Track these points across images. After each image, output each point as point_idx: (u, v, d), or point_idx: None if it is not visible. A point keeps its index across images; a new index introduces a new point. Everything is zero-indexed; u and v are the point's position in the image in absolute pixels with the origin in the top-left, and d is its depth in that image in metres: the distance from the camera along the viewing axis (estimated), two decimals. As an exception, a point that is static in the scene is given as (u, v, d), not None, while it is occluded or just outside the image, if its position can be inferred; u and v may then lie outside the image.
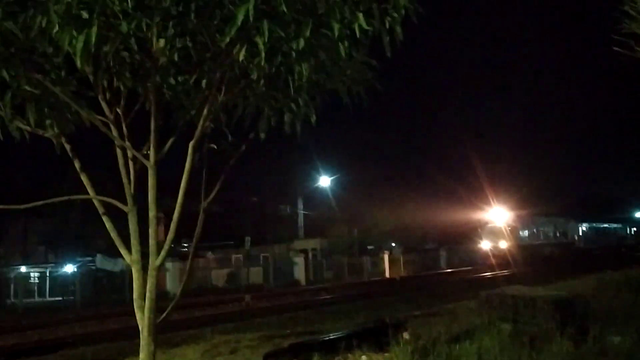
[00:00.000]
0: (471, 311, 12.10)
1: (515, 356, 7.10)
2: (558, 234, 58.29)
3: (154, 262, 4.81)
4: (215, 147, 5.33)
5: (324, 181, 46.06)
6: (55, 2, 3.83)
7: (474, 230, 51.47)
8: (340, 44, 4.20)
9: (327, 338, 9.91)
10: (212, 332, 14.16)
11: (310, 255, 40.34)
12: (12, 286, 29.27)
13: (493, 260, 44.84)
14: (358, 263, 41.65)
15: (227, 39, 3.94)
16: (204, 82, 4.67)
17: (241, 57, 4.11)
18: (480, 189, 47.17)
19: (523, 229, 52.46)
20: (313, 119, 5.14)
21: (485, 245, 48.24)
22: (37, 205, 5.02)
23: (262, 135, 5.33)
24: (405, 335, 8.91)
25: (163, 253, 4.82)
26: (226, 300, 26.32)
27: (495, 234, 48.48)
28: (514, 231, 49.30)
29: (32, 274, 33.10)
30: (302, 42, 4.10)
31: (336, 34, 4.12)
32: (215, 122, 5.25)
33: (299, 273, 38.09)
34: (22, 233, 43.82)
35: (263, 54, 4.07)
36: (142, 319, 4.82)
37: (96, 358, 12.53)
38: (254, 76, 4.43)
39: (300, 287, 34.67)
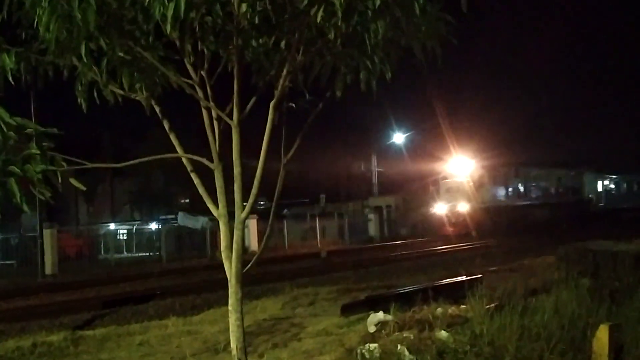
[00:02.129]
0: (549, 266, 12.04)
1: (594, 309, 7.09)
2: (561, 191, 45.59)
3: (239, 215, 5.13)
4: (294, 105, 5.54)
5: (398, 138, 45.81)
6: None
7: (427, 189, 40.56)
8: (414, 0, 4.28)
9: (403, 291, 10.16)
10: (290, 285, 14.71)
11: (384, 212, 40.51)
12: (102, 242, 31.14)
13: (450, 229, 35.30)
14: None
15: (305, 1, 4.11)
16: (283, 43, 4.86)
17: (319, 18, 4.27)
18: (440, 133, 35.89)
19: (497, 184, 40.63)
20: (388, 75, 5.24)
21: (440, 208, 37.15)
22: (127, 165, 5.42)
23: (339, 93, 5.49)
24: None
25: (248, 207, 5.13)
26: (302, 255, 27.06)
27: (453, 192, 37.25)
28: (481, 188, 37.87)
29: (120, 231, 34.93)
30: (377, 1, 4.20)
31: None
32: (294, 81, 5.45)
33: (374, 230, 38.47)
34: (109, 192, 46.17)
35: (340, 14, 4.20)
36: (230, 269, 5.18)
37: (184, 307, 13.30)
38: (331, 36, 4.58)
39: (375, 243, 35.06)
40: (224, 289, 5.46)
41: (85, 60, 4.88)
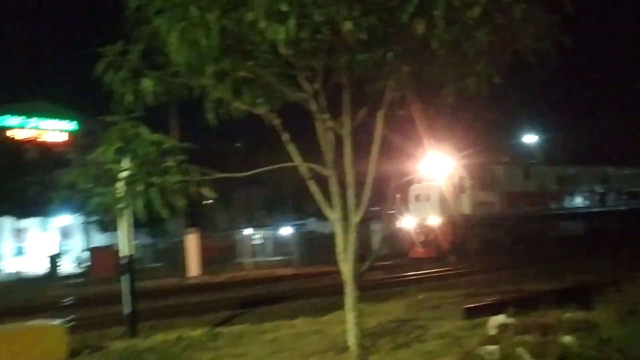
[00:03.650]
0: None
1: None
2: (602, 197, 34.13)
3: (354, 219, 5.43)
4: (404, 113, 5.75)
5: (529, 139, 44.03)
6: (260, -1, 4.50)
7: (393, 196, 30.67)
8: (515, 6, 4.35)
9: (529, 295, 9.96)
10: (416, 290, 14.80)
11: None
12: (239, 247, 32.83)
13: (418, 250, 26.78)
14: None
15: (406, 15, 4.32)
16: (389, 55, 5.10)
17: (420, 31, 4.46)
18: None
19: (485, 187, 28.76)
20: (497, 80, 5.30)
21: (407, 222, 27.57)
22: (250, 175, 5.90)
23: (450, 100, 5.63)
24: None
25: (361, 211, 5.42)
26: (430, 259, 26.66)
27: (423, 201, 27.54)
28: (460, 193, 27.52)
29: (255, 236, 36.56)
30: (477, 10, 4.33)
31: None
32: (404, 89, 5.66)
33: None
34: (245, 199, 48.49)
35: (441, 26, 4.38)
36: (346, 271, 5.48)
37: (313, 308, 13.83)
38: (435, 45, 4.75)
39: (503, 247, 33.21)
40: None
41: (211, 81, 5.42)
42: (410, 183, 26.81)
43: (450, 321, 9.48)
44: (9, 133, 38.64)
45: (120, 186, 5.43)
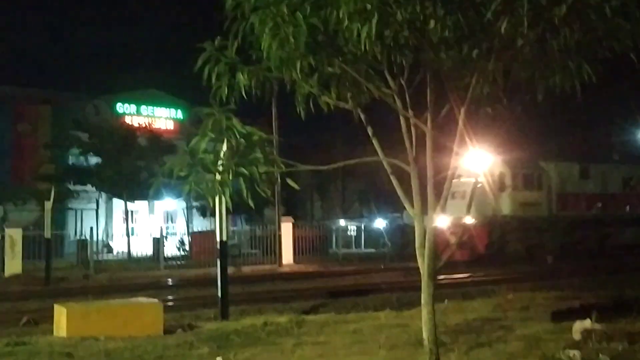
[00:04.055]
0: None
1: None
2: None
3: (432, 215, 5.49)
4: (490, 110, 5.72)
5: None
6: (345, -2, 4.66)
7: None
8: (606, 3, 4.24)
9: (622, 300, 9.54)
10: (507, 289, 14.47)
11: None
12: (333, 237, 33.29)
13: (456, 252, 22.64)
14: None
15: (490, 13, 4.33)
16: (474, 52, 5.10)
17: (503, 29, 4.45)
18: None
19: (530, 185, 25.75)
20: (590, 77, 5.17)
21: (442, 221, 19.80)
22: (333, 167, 6.08)
23: (540, 97, 5.55)
24: None
25: (439, 207, 5.47)
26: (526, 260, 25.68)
27: (458, 199, 23.34)
28: (499, 191, 24.86)
29: (349, 227, 36.90)
30: (564, 8, 4.26)
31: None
32: (492, 86, 5.63)
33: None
34: (341, 190, 48.99)
35: (526, 23, 4.35)
36: (423, 265, 5.56)
37: (400, 302, 13.89)
38: (520, 43, 4.72)
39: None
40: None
41: (300, 76, 5.64)
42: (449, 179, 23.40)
43: (537, 323, 9.26)
44: (122, 120, 41.07)
45: (211, 175, 5.77)
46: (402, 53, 5.19)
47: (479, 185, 21.90)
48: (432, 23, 4.63)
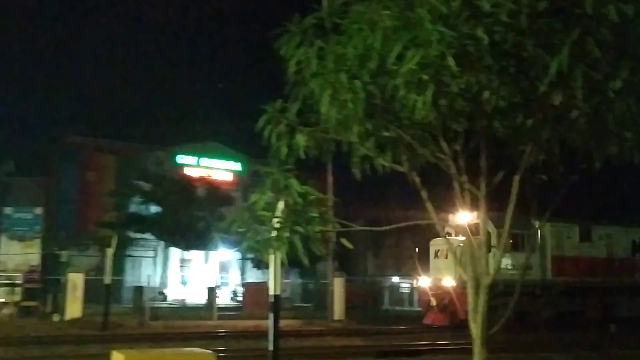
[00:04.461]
0: None
1: None
2: None
3: (484, 280, 5.50)
4: (546, 178, 5.75)
5: None
6: (402, 67, 4.86)
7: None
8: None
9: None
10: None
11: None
12: (386, 294, 32.95)
13: (431, 316, 23.35)
14: None
15: (544, 86, 4.43)
16: (528, 122, 5.19)
17: (557, 102, 4.54)
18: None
19: (521, 247, 23.13)
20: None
21: (423, 281, 24.61)
22: (387, 229, 6.19)
23: (597, 165, 5.57)
24: None
25: (493, 273, 5.47)
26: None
27: (441, 258, 23.66)
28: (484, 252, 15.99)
29: (402, 285, 36.45)
30: (619, 83, 4.33)
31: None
32: (548, 153, 5.68)
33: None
34: (395, 247, 48.62)
35: (580, 96, 4.43)
36: (476, 329, 5.53)
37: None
38: (574, 115, 4.79)
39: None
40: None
41: (357, 139, 5.84)
42: (433, 236, 23.40)
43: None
44: (182, 171, 42.35)
45: (268, 232, 5.96)
46: (456, 120, 5.32)
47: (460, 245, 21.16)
48: (486, 93, 4.77)
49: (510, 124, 5.16)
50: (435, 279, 23.44)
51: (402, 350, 15.98)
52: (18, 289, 26.71)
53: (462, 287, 20.52)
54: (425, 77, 4.67)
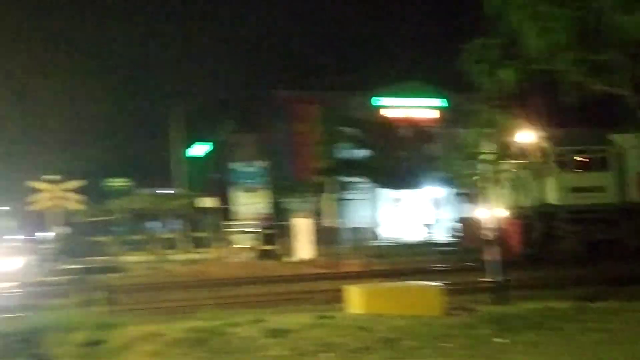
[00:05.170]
0: None
1: None
2: None
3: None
4: None
5: None
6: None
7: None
8: None
9: None
10: None
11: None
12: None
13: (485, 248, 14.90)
14: None
15: None
16: None
17: None
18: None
19: (590, 166, 19.27)
20: None
21: (481, 213, 17.78)
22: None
23: None
24: None
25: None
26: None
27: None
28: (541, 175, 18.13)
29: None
30: None
31: None
32: None
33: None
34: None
35: None
36: None
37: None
38: None
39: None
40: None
41: (569, 67, 5.75)
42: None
43: None
44: (384, 112, 43.06)
45: (479, 167, 6.17)
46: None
47: (514, 170, 18.09)
48: None
49: None
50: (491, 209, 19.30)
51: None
52: (251, 235, 29.73)
53: (512, 218, 18.93)
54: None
